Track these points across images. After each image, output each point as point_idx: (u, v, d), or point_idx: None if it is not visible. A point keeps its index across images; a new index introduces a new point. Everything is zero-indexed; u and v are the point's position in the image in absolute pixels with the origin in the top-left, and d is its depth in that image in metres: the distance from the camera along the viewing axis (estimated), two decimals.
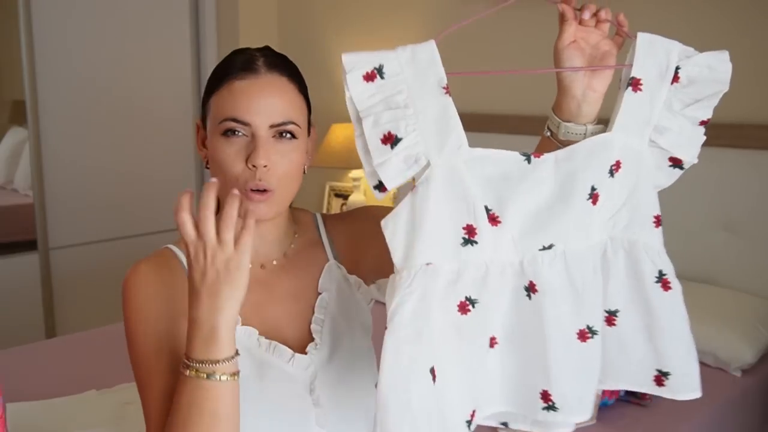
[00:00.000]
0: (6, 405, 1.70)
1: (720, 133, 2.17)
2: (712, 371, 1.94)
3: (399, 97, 0.87)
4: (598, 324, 0.94)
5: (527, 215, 0.91)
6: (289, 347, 1.00)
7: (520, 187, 0.89)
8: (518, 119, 2.67)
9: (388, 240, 0.89)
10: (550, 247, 0.92)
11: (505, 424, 1.01)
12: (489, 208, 0.89)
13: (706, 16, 2.27)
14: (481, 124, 2.72)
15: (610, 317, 0.97)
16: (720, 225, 2.24)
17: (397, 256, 0.89)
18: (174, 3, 3.49)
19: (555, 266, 0.92)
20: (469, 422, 0.94)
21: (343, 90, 0.87)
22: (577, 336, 0.93)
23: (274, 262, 1.05)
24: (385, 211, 0.95)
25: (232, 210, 0.84)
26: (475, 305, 0.90)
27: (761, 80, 2.17)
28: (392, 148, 0.86)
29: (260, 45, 1.07)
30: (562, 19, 0.94)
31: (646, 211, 0.95)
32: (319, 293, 1.05)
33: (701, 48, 0.94)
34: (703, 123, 0.95)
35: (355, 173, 3.17)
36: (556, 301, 0.91)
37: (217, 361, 0.84)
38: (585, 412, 0.95)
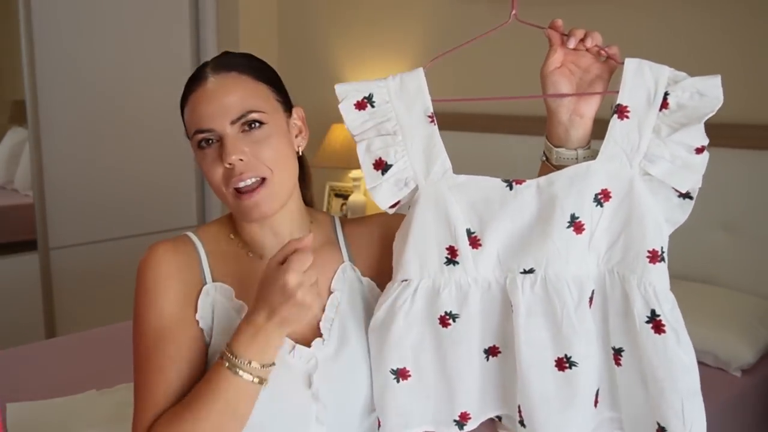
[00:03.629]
0: (6, 405, 1.70)
1: (719, 133, 2.14)
2: (712, 371, 1.94)
3: (388, 125, 0.95)
4: (581, 357, 0.92)
5: (510, 238, 0.94)
6: (296, 341, 1.01)
7: (501, 212, 0.93)
8: (522, 120, 2.67)
9: (393, 250, 0.99)
10: (530, 271, 0.93)
11: (499, 417, 1.03)
12: (472, 230, 0.94)
13: (706, 16, 2.27)
14: (482, 125, 2.72)
15: (617, 355, 0.95)
16: (719, 225, 2.24)
17: (393, 268, 0.99)
18: (174, 4, 3.49)
19: (535, 291, 0.93)
20: (458, 422, 0.99)
21: None
22: (554, 364, 0.93)
23: None
24: (402, 219, 0.99)
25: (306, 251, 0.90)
26: (456, 320, 0.95)
27: (761, 80, 2.17)
28: (383, 174, 0.95)
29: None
30: (549, 43, 0.95)
31: (639, 245, 0.91)
32: (331, 292, 1.05)
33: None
34: (699, 151, 0.90)
35: (355, 173, 3.17)
36: (531, 324, 0.93)
37: (257, 364, 0.90)
38: None
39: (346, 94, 0.96)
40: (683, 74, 0.90)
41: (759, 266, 2.17)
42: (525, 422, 0.96)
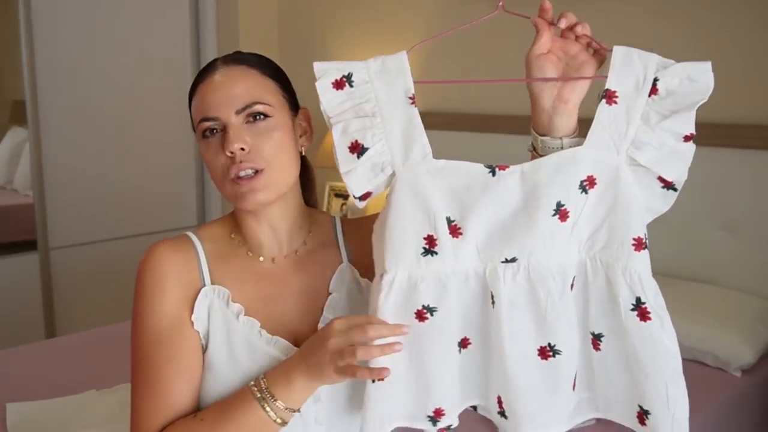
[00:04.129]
0: (6, 405, 1.70)
1: (718, 133, 2.15)
2: (712, 371, 1.93)
3: (367, 106, 0.91)
4: (564, 345, 0.92)
5: (491, 227, 0.91)
6: (295, 343, 1.01)
7: (483, 199, 0.90)
8: (518, 119, 2.67)
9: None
10: (513, 260, 0.91)
11: (474, 407, 1.02)
12: (451, 219, 0.91)
13: (705, 16, 2.27)
14: (477, 124, 2.72)
15: (595, 341, 0.95)
16: (719, 225, 2.24)
17: (375, 265, 0.95)
18: (174, 4, 3.49)
19: (517, 281, 0.91)
20: (432, 418, 0.96)
21: None
22: (537, 353, 0.92)
23: (285, 257, 1.05)
24: None
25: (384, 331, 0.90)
26: (433, 313, 0.92)
27: (760, 80, 2.17)
28: (359, 157, 0.90)
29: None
30: (536, 30, 0.93)
31: (624, 232, 0.90)
32: (330, 293, 1.05)
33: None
34: (687, 139, 0.88)
35: None
36: (515, 315, 0.91)
37: (282, 405, 0.92)
38: (541, 429, 0.95)
39: (324, 72, 0.91)
40: (672, 61, 0.89)
41: (759, 266, 2.17)
42: (507, 413, 0.95)
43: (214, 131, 0.97)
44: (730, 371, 1.94)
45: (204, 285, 1.00)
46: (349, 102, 0.91)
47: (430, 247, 0.91)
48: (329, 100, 0.91)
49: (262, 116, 0.97)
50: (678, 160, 0.89)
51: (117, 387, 1.82)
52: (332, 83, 0.91)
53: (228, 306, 1.00)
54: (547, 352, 0.92)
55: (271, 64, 1.04)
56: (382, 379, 0.91)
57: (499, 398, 0.96)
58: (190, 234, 1.05)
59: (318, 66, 0.91)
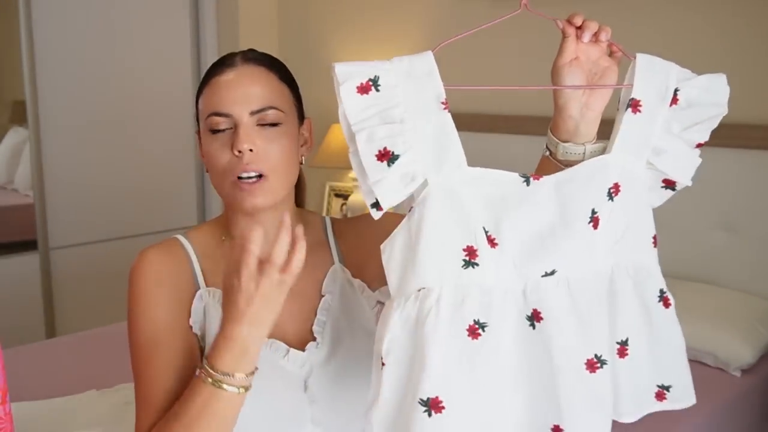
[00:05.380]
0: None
1: (719, 133, 2.15)
2: (712, 371, 1.93)
3: (395, 111, 0.83)
4: (607, 354, 0.90)
5: (527, 239, 0.87)
6: (289, 346, 1.00)
7: (518, 209, 0.86)
8: (521, 119, 2.67)
9: (384, 264, 0.86)
10: (552, 273, 0.88)
11: None
12: (486, 229, 0.86)
13: (705, 16, 2.27)
14: (483, 125, 2.72)
15: (622, 348, 0.94)
16: (720, 225, 2.24)
17: (391, 283, 0.86)
18: (174, 4, 3.49)
19: (559, 293, 0.88)
20: None
21: None
22: (585, 366, 0.88)
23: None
24: (395, 218, 0.94)
25: (284, 235, 0.84)
26: (485, 329, 0.85)
27: (761, 80, 2.17)
28: (389, 165, 0.82)
29: (260, 46, 1.08)
30: (563, 35, 0.92)
31: (645, 233, 0.94)
32: (323, 295, 1.05)
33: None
34: (699, 146, 0.94)
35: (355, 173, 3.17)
36: (562, 329, 0.87)
37: (240, 375, 0.86)
38: None
39: (348, 76, 0.82)
40: (689, 72, 0.93)
41: (759, 266, 2.17)
42: None
43: (223, 128, 0.96)
44: (729, 371, 1.94)
45: (198, 287, 1.00)
46: (374, 107, 0.83)
47: (470, 258, 0.85)
48: (353, 106, 0.83)
49: (273, 124, 0.97)
50: (688, 165, 0.94)
51: (117, 387, 1.82)
52: (357, 87, 0.83)
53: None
54: (594, 364, 0.88)
55: (285, 68, 1.04)
56: (439, 411, 0.82)
57: (555, 428, 0.89)
58: (180, 237, 1.04)
59: (340, 69, 0.83)
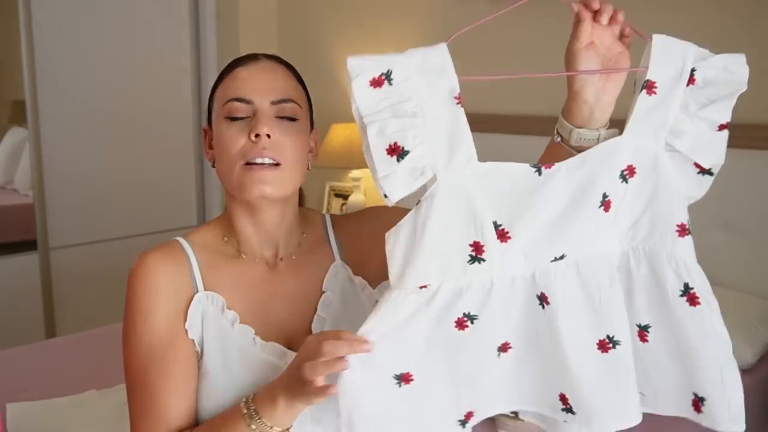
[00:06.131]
0: (6, 405, 1.70)
1: None
2: None
3: (407, 105, 0.83)
4: (622, 335, 0.91)
5: (540, 228, 0.88)
6: (290, 345, 1.00)
7: (531, 200, 0.86)
8: (522, 119, 2.67)
9: (387, 254, 0.86)
10: (561, 257, 0.89)
11: (515, 413, 1.01)
12: (498, 223, 0.86)
13: (708, 16, 2.27)
14: (484, 125, 2.72)
15: (642, 332, 0.94)
16: (720, 225, 2.24)
17: (392, 274, 0.86)
18: (174, 4, 3.49)
19: (568, 277, 0.89)
20: (462, 421, 0.94)
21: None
22: (597, 346, 0.91)
23: (280, 260, 1.05)
24: (395, 213, 0.94)
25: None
26: (474, 321, 0.88)
27: (761, 80, 2.17)
28: (399, 160, 0.82)
29: (260, 46, 1.09)
30: (577, 19, 0.90)
31: (668, 219, 0.91)
32: (323, 292, 1.05)
33: (704, 47, 0.93)
34: (722, 127, 0.91)
35: (355, 173, 3.17)
36: (570, 312, 0.89)
37: (270, 424, 0.90)
38: (617, 420, 0.93)
39: (361, 69, 0.82)
40: (707, 52, 0.91)
41: (759, 266, 2.17)
42: (574, 409, 0.92)
43: (241, 116, 0.97)
44: None
45: (197, 291, 0.99)
46: (387, 101, 0.83)
47: (476, 254, 0.86)
48: (365, 99, 0.82)
49: (291, 119, 0.99)
50: (714, 147, 0.91)
51: (117, 387, 1.82)
52: (370, 81, 0.82)
53: (223, 313, 0.98)
54: (606, 344, 0.90)
55: (301, 77, 1.06)
56: (408, 383, 0.87)
57: (562, 396, 0.93)
58: (181, 240, 1.03)
59: (353, 62, 0.82)
